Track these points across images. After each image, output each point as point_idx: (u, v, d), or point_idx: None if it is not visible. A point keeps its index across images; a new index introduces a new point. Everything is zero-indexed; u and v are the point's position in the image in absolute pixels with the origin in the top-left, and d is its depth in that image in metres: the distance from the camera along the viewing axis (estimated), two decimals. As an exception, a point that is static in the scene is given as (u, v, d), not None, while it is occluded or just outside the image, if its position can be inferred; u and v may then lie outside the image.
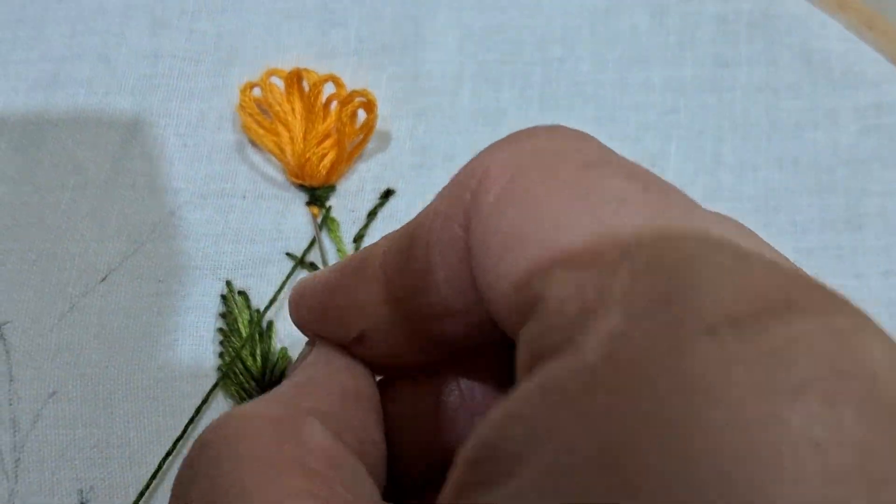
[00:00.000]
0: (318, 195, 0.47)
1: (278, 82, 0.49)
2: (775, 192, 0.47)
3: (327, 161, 0.47)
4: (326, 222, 0.47)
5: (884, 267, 0.45)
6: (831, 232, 0.46)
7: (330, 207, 0.47)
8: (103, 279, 0.45)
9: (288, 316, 0.44)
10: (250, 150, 0.49)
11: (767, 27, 0.51)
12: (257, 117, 0.48)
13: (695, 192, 0.46)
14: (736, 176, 0.47)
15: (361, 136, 0.48)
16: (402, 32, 0.52)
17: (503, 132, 0.48)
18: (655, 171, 0.47)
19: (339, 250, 0.46)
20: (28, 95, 0.50)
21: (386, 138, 0.49)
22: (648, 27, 0.51)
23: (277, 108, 0.48)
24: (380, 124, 0.49)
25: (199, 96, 0.50)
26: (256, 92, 0.49)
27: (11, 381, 0.43)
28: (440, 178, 0.48)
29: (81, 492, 0.41)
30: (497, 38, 0.51)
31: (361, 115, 0.48)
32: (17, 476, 0.41)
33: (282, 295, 0.45)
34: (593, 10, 0.52)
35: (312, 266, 0.46)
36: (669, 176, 0.47)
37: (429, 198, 0.47)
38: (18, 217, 0.47)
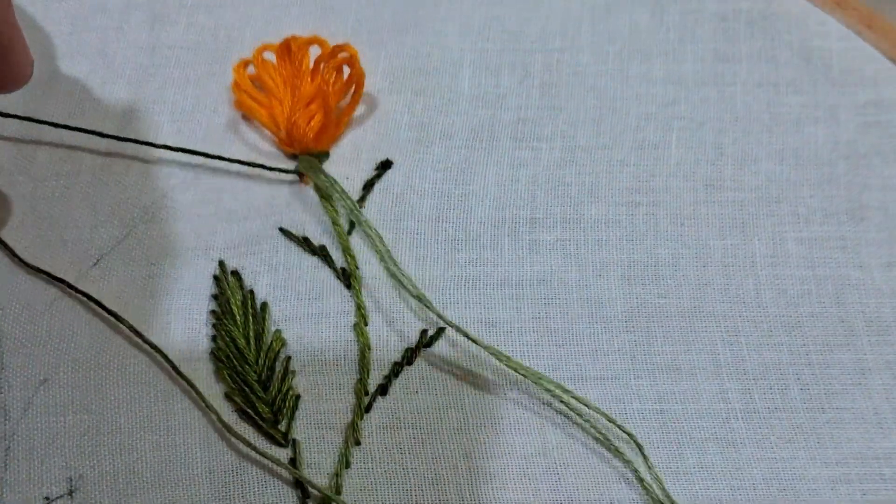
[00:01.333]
0: (310, 159, 0.47)
1: (272, 58, 0.49)
2: (777, 183, 0.46)
3: (315, 123, 0.47)
4: (318, 189, 0.46)
5: (886, 259, 0.45)
6: (834, 223, 0.45)
7: (322, 172, 0.47)
8: (95, 264, 0.45)
9: (282, 297, 0.43)
10: (244, 129, 0.49)
11: (767, 25, 0.51)
12: (251, 92, 0.48)
13: (697, 182, 0.47)
14: (737, 167, 0.47)
15: (350, 96, 0.48)
16: (401, 19, 0.52)
17: (503, 116, 0.49)
18: (656, 160, 0.48)
19: (334, 224, 0.45)
20: (26, 90, 0.50)
21: (382, 110, 0.49)
22: (648, 23, 0.51)
23: (270, 81, 0.48)
24: (376, 97, 0.49)
25: (195, 83, 0.50)
26: (252, 70, 0.49)
27: (3, 368, 0.42)
28: (438, 156, 0.48)
29: (71, 480, 0.40)
30: (497, 27, 0.51)
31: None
32: (6, 465, 0.41)
33: (280, 279, 0.44)
34: (593, 6, 0.52)
35: (307, 242, 0.45)
36: (671, 165, 0.47)
37: (428, 174, 0.47)
38: (12, 207, 0.47)
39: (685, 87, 0.49)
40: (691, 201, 0.46)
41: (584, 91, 0.49)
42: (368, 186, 0.47)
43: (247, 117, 0.49)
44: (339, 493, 0.40)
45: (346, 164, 0.47)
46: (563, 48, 0.50)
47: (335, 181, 0.46)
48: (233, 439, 0.41)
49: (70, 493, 0.40)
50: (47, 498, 0.40)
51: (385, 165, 0.47)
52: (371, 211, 0.46)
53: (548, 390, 0.41)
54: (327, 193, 0.46)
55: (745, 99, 0.49)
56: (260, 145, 0.48)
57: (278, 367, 0.42)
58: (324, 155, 0.47)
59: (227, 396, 0.42)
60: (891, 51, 0.49)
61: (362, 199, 0.46)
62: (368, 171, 0.47)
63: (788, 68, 0.49)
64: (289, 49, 0.48)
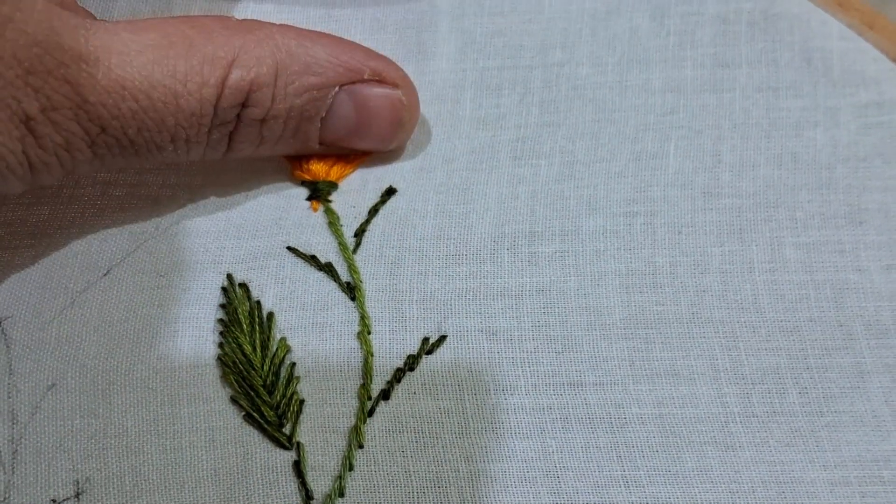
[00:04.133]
0: (319, 189, 0.48)
1: None
2: (775, 188, 0.47)
3: (330, 159, 0.48)
4: (327, 214, 0.47)
5: (886, 262, 0.45)
6: (832, 227, 0.46)
7: (331, 201, 0.48)
8: (105, 274, 0.45)
9: (288, 308, 0.44)
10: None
11: (768, 27, 0.51)
12: None
13: (694, 190, 0.47)
14: (735, 174, 0.47)
15: None
16: (404, 42, 0.53)
17: (503, 136, 0.49)
18: (654, 170, 0.47)
19: (339, 244, 0.46)
20: None
21: None
22: (648, 29, 0.51)
23: None
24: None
25: None
26: None
27: (11, 374, 0.43)
28: (440, 179, 0.49)
29: (77, 483, 0.41)
30: (498, 42, 0.52)
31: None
32: (13, 468, 0.41)
33: (286, 291, 0.45)
34: (594, 13, 0.52)
35: (314, 259, 0.46)
36: (668, 175, 0.47)
37: (430, 197, 0.48)
38: (25, 217, 0.48)
39: (684, 94, 0.49)
40: (689, 209, 0.46)
41: (583, 104, 0.50)
42: (373, 212, 0.47)
43: None
44: (342, 495, 0.41)
45: (353, 194, 0.48)
46: (562, 62, 0.51)
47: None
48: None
49: (77, 495, 0.41)
50: (54, 500, 0.41)
51: (389, 192, 0.48)
52: (375, 233, 0.47)
53: None
54: (335, 217, 0.47)
55: (745, 104, 0.49)
56: (268, 167, 0.49)
57: (283, 372, 0.43)
58: (333, 185, 0.48)
59: (234, 400, 0.42)
60: (893, 51, 0.49)
61: (367, 222, 0.47)
62: (374, 199, 0.48)
63: (789, 70, 0.49)
64: None
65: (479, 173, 0.48)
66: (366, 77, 0.46)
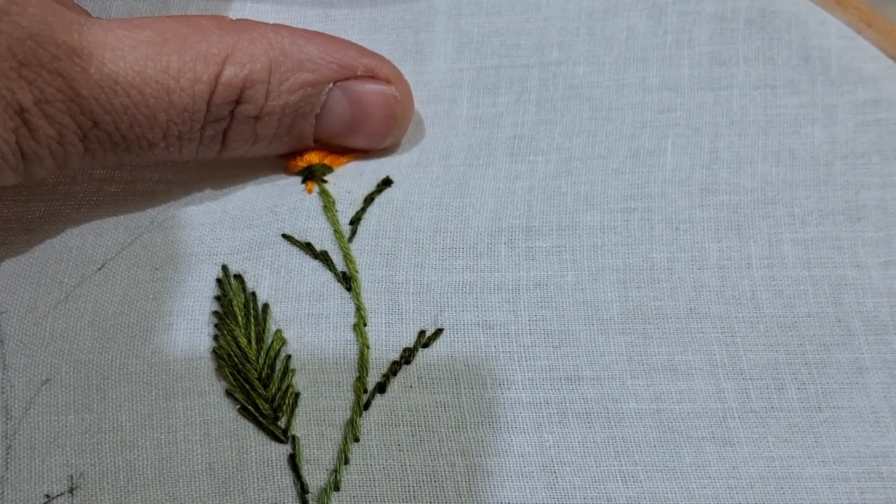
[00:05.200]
0: (314, 170, 0.48)
1: None
2: (772, 185, 0.47)
3: (325, 151, 0.48)
4: (322, 197, 0.47)
5: (884, 258, 0.45)
6: (830, 224, 0.46)
7: (326, 181, 0.48)
8: (100, 268, 0.45)
9: (283, 299, 0.44)
10: None
11: (765, 25, 0.50)
12: None
13: (692, 187, 0.47)
14: (733, 171, 0.47)
15: None
16: (401, 42, 0.53)
17: (500, 133, 0.49)
18: (651, 167, 0.47)
19: (335, 231, 0.46)
20: None
21: None
22: (646, 27, 0.51)
23: None
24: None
25: None
26: None
27: (5, 369, 0.43)
28: (437, 174, 0.49)
29: (72, 478, 0.41)
30: (495, 42, 0.52)
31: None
32: (7, 464, 0.41)
33: (282, 281, 0.45)
34: (591, 12, 0.52)
35: (309, 247, 0.46)
36: (666, 171, 0.47)
37: (426, 189, 0.47)
38: (20, 214, 0.48)
39: (681, 93, 0.49)
40: (686, 206, 0.46)
41: (580, 103, 0.50)
42: (368, 201, 0.47)
43: None
44: (337, 488, 0.40)
45: (348, 180, 0.48)
46: (559, 61, 0.51)
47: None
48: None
49: (71, 490, 0.40)
50: (48, 495, 0.40)
51: (386, 183, 0.48)
52: (371, 223, 0.47)
53: None
54: (330, 201, 0.47)
55: (742, 102, 0.49)
56: (263, 164, 0.49)
57: (278, 365, 0.43)
58: (328, 168, 0.48)
59: (229, 393, 0.42)
60: (891, 49, 0.49)
61: (362, 210, 0.47)
62: (369, 188, 0.48)
63: (787, 68, 0.49)
64: None
65: (476, 169, 0.48)
66: (359, 73, 0.47)
